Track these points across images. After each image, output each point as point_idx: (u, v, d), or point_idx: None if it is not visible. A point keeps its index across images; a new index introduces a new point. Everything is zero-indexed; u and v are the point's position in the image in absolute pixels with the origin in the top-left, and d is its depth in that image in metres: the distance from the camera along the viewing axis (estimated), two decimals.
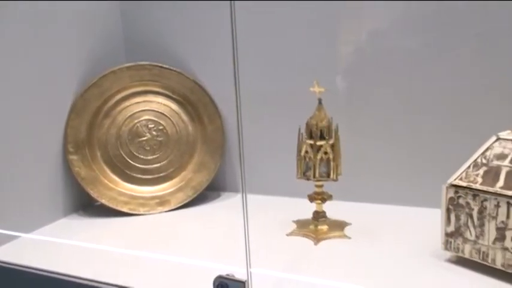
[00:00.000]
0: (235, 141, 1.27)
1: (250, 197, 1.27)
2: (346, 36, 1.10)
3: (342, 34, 1.10)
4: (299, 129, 0.95)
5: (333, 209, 1.02)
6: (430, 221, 0.85)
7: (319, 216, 1.00)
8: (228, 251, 0.87)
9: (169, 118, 1.24)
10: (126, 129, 1.22)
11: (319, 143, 0.93)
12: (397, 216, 1.04)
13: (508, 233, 0.70)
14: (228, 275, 0.66)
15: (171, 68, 1.23)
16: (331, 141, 0.93)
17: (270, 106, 1.20)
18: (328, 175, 0.94)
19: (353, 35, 1.10)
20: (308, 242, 0.94)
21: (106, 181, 1.19)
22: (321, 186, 0.97)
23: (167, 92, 1.25)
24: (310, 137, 0.94)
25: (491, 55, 0.97)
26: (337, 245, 0.92)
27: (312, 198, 0.99)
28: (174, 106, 1.25)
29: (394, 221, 1.01)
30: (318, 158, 0.93)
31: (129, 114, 1.22)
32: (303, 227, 1.00)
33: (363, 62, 1.09)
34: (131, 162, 1.22)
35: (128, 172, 1.22)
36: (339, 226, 1.00)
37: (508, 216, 0.70)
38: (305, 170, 0.96)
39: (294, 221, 1.04)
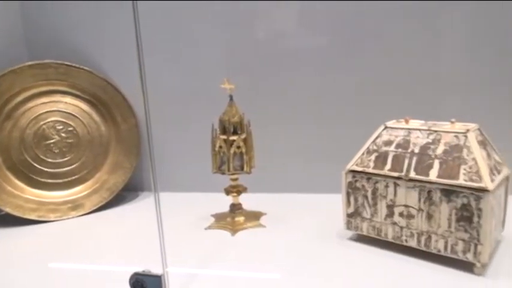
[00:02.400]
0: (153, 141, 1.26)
1: (170, 195, 1.28)
2: (254, 34, 1.16)
3: (250, 33, 1.16)
4: (212, 126, 0.98)
5: (249, 201, 1.06)
6: (335, 205, 0.93)
7: (235, 208, 1.04)
8: (145, 251, 0.87)
9: (79, 119, 1.19)
10: (30, 132, 1.14)
11: (232, 138, 0.97)
12: (306, 203, 1.12)
13: (396, 210, 0.80)
14: (144, 271, 0.67)
15: (80, 66, 1.18)
16: (243, 136, 0.97)
17: (184, 104, 1.22)
18: (242, 168, 0.98)
19: (261, 34, 1.16)
20: (226, 234, 0.98)
21: (10, 188, 1.11)
22: (236, 179, 1.01)
23: (76, 92, 1.20)
24: (224, 132, 0.98)
25: (383, 55, 1.09)
26: (253, 234, 0.97)
27: (228, 192, 1.02)
28: (84, 106, 1.20)
29: (304, 208, 1.09)
30: (232, 152, 0.96)
31: (33, 116, 1.15)
32: (221, 220, 1.03)
33: (271, 59, 1.15)
34: (38, 166, 1.15)
35: (35, 177, 1.15)
36: (254, 216, 1.05)
37: (395, 195, 0.80)
38: (220, 165, 0.99)
39: (212, 215, 1.07)
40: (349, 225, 0.88)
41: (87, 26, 1.23)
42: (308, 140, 1.16)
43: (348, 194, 0.87)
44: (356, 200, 0.86)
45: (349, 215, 0.88)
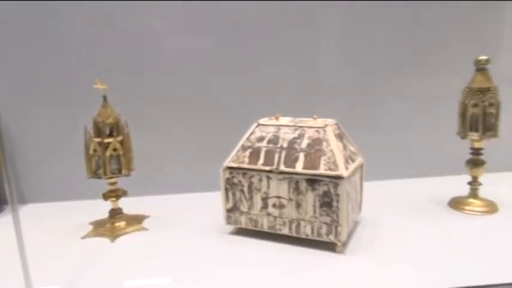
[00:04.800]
0: (18, 148, 1.15)
1: (42, 206, 1.18)
2: (129, 33, 1.13)
3: (128, 32, 1.13)
4: (85, 128, 0.93)
5: (131, 205, 1.03)
6: (216, 202, 0.95)
7: (115, 213, 1.00)
8: (8, 271, 0.79)
9: None
10: None
11: (107, 140, 0.93)
12: (189, 202, 1.13)
13: (270, 201, 0.86)
14: None
15: None
16: (120, 138, 0.94)
17: (52, 106, 1.14)
18: (120, 171, 0.95)
19: (136, 33, 1.13)
20: (104, 241, 0.93)
21: None
22: (114, 183, 0.97)
23: None
24: (98, 134, 0.94)
25: (255, 56, 1.16)
26: (135, 239, 0.94)
27: (106, 197, 0.98)
28: None
29: (187, 208, 1.10)
30: (108, 155, 0.93)
31: None
32: (100, 227, 0.98)
33: (147, 59, 1.14)
34: None
35: None
36: (137, 220, 1.02)
37: (268, 187, 0.85)
38: (95, 169, 0.94)
39: (90, 223, 1.01)
40: (229, 220, 0.92)
41: None
42: (188, 139, 1.18)
43: (227, 190, 0.90)
44: (234, 195, 0.89)
45: (229, 210, 0.91)
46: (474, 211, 0.99)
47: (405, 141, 1.22)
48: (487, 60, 0.93)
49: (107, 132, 0.94)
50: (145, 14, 1.11)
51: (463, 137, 0.97)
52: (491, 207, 1.00)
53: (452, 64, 1.10)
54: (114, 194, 0.98)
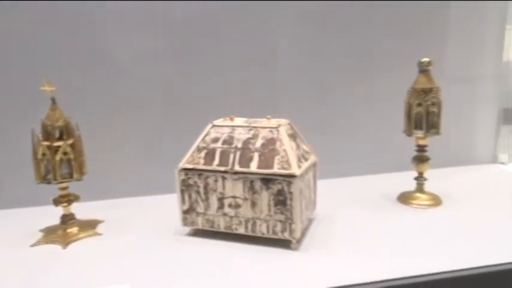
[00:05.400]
0: None
1: None
2: (82, 34, 1.10)
3: (77, 32, 1.09)
4: (32, 131, 0.89)
5: (84, 210, 1.01)
6: (172, 204, 0.95)
7: (67, 219, 0.97)
8: None
9: None
10: None
11: (56, 143, 0.90)
12: (145, 205, 1.12)
13: (225, 201, 0.86)
14: None
15: None
16: (70, 141, 0.91)
17: None
18: (72, 176, 0.92)
19: (90, 34, 1.10)
20: (56, 248, 0.90)
21: None
22: (66, 188, 0.94)
23: None
24: (47, 138, 0.90)
25: (209, 57, 1.16)
26: (88, 244, 0.92)
27: (57, 202, 0.95)
28: None
29: (143, 211, 1.08)
30: (58, 159, 0.90)
31: None
32: (50, 234, 0.95)
33: (99, 59, 1.11)
34: None
35: None
36: (90, 225, 0.99)
37: (224, 188, 0.86)
38: (45, 174, 0.91)
39: (41, 230, 0.98)
40: (185, 222, 0.92)
41: None
42: (142, 142, 1.16)
43: (182, 192, 0.90)
44: (190, 196, 0.89)
45: (185, 212, 0.91)
46: (421, 205, 1.05)
47: (356, 140, 1.27)
48: (429, 62, 0.99)
49: (57, 135, 0.91)
50: (96, 13, 1.09)
51: (409, 135, 1.03)
52: (436, 201, 1.06)
53: (400, 64, 1.14)
54: (65, 199, 0.95)
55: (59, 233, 0.95)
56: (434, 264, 0.76)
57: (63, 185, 0.94)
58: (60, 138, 0.91)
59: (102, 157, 1.10)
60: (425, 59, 0.99)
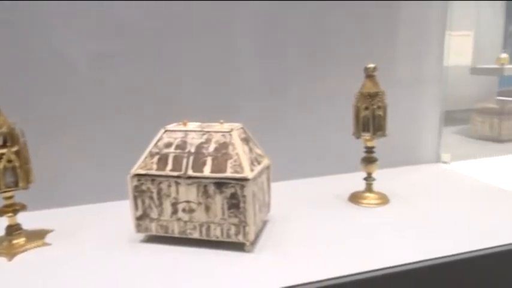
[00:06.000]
0: None
1: None
2: (27, 35, 1.06)
3: (22, 34, 1.05)
4: None
5: (32, 219, 0.97)
6: (124, 211, 0.93)
7: (13, 229, 0.92)
8: None
9: None
10: None
11: (0, 151, 0.86)
12: (97, 213, 1.09)
13: (179, 206, 0.86)
14: None
15: None
16: (15, 148, 0.88)
17: None
18: (17, 184, 0.89)
19: (37, 34, 1.06)
20: (1, 260, 0.86)
21: None
22: (11, 197, 0.90)
23: None
24: None
25: (162, 60, 1.15)
26: (36, 255, 0.88)
27: (1, 212, 0.90)
28: None
29: (95, 219, 1.05)
30: (1, 167, 0.86)
31: None
32: None
33: (49, 62, 1.08)
34: None
35: None
36: (38, 235, 0.95)
37: (177, 193, 0.86)
38: None
39: None
40: (139, 228, 0.90)
41: None
42: (93, 148, 1.13)
43: (135, 198, 0.89)
44: (143, 202, 0.88)
45: (138, 218, 0.90)
46: (370, 204, 1.10)
47: (309, 143, 1.30)
48: (374, 68, 1.04)
49: (0, 142, 0.87)
50: (42, 14, 1.05)
51: (358, 137, 1.08)
52: (384, 199, 1.11)
53: (351, 67, 1.17)
54: (11, 209, 0.91)
55: (4, 245, 0.90)
56: (383, 259, 0.80)
57: (8, 194, 0.90)
58: (4, 146, 0.87)
59: (52, 164, 1.06)
60: (371, 65, 1.04)
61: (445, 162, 1.47)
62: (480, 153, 1.59)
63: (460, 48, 2.11)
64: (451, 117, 1.72)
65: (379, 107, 1.04)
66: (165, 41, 1.14)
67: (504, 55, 2.04)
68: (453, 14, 1.39)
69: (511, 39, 2.48)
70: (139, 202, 0.88)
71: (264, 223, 0.98)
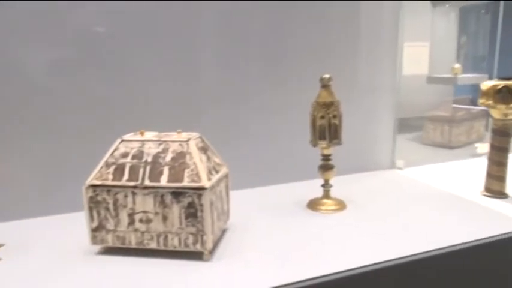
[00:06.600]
0: None
1: None
2: None
3: None
4: None
5: None
6: (79, 223, 0.91)
7: None
8: None
9: None
10: None
11: None
12: (50, 226, 1.05)
13: (136, 217, 0.85)
14: None
15: None
16: None
17: None
18: None
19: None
20: None
21: None
22: None
23: None
24: None
25: (119, 70, 1.14)
26: None
27: None
28: None
29: (48, 232, 1.02)
30: None
31: None
32: None
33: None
34: None
35: None
36: None
37: (134, 203, 0.85)
38: None
39: None
40: (94, 240, 0.88)
41: None
42: (45, 159, 1.09)
43: (91, 209, 0.87)
44: (99, 213, 0.87)
45: (94, 230, 0.88)
46: (327, 210, 1.13)
47: (267, 151, 1.32)
48: (329, 78, 1.07)
49: None
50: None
51: (314, 145, 1.10)
52: (341, 205, 1.15)
53: (309, 76, 1.20)
54: None
55: None
56: (342, 263, 0.83)
57: None
58: None
59: (1, 175, 1.02)
60: (326, 76, 1.07)
61: (399, 168, 1.53)
62: (432, 159, 1.67)
63: (417, 58, 2.21)
64: (406, 125, 1.79)
65: (334, 116, 1.08)
66: (123, 49, 1.13)
67: (457, 65, 2.15)
68: (406, 27, 1.46)
69: (463, 50, 2.63)
70: (94, 213, 0.87)
71: (223, 231, 0.99)
